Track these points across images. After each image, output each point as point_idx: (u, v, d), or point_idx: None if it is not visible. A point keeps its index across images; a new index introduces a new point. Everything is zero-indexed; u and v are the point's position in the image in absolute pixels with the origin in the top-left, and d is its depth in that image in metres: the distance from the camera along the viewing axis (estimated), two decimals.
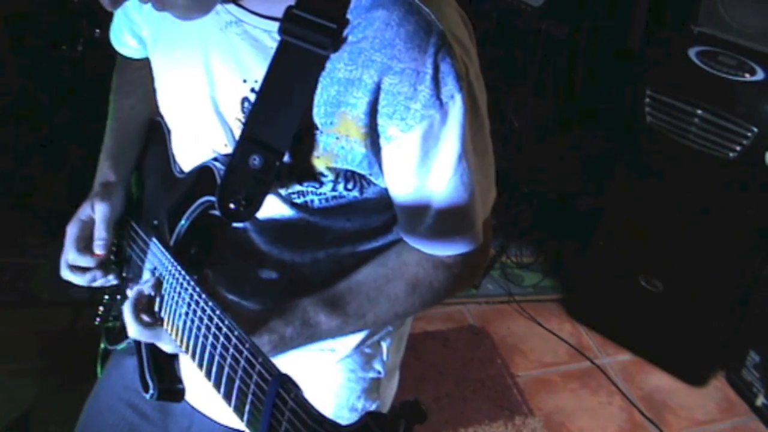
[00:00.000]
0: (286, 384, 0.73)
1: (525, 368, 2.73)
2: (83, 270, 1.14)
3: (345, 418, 1.14)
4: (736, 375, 2.73)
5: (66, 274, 1.14)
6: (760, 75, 2.29)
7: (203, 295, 0.92)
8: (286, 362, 1.08)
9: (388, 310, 1.03)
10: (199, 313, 0.92)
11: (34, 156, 2.95)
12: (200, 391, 1.19)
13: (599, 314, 2.91)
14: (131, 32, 1.17)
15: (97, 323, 1.27)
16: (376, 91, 0.88)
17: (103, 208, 1.14)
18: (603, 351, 2.86)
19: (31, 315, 2.39)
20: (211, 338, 0.89)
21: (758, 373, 2.63)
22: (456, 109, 0.89)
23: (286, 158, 0.94)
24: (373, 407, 1.17)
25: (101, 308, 1.27)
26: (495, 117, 3.44)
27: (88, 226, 1.14)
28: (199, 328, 0.92)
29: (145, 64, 1.22)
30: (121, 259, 1.21)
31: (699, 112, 2.38)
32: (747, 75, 2.30)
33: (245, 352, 0.82)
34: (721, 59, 2.34)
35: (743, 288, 2.55)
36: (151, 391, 1.10)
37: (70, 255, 1.13)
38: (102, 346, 1.32)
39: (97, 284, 1.16)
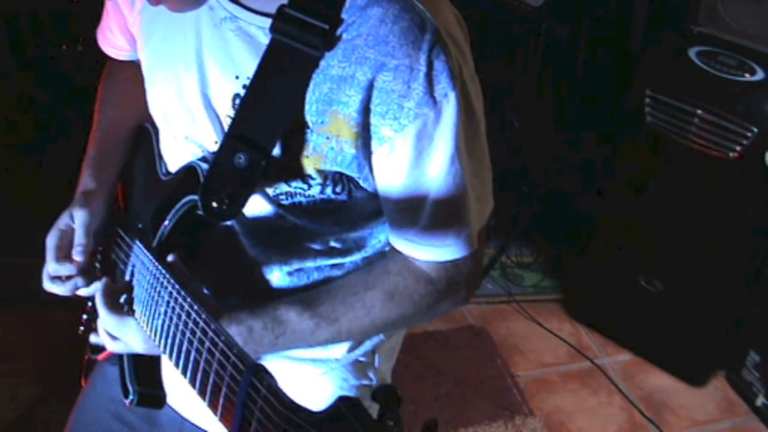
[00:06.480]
0: (260, 373, 0.72)
1: (525, 368, 2.73)
2: (65, 279, 1.12)
3: None
4: (736, 375, 2.73)
5: (48, 286, 1.12)
6: (760, 75, 2.29)
7: (182, 292, 0.91)
8: (278, 370, 1.08)
9: (363, 318, 0.99)
10: (177, 309, 0.91)
11: (34, 155, 2.95)
12: (189, 399, 1.17)
13: (599, 314, 2.91)
14: (122, 30, 1.15)
15: (81, 332, 1.25)
16: (369, 88, 0.87)
17: (82, 215, 1.11)
18: (603, 351, 2.86)
19: (31, 315, 2.39)
20: (188, 333, 0.87)
21: (758, 373, 2.63)
22: (450, 107, 0.88)
23: (275, 154, 0.92)
24: None
25: (85, 317, 1.25)
26: (495, 117, 3.44)
27: (66, 235, 1.12)
28: (177, 325, 0.90)
29: (131, 75, 1.21)
30: (106, 267, 1.19)
31: (699, 112, 2.38)
32: (747, 75, 2.30)
33: (220, 345, 0.80)
34: (721, 59, 2.34)
35: (743, 288, 2.55)
36: (131, 396, 1.08)
37: (50, 266, 1.11)
38: (86, 357, 1.29)
39: (82, 293, 1.14)
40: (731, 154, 2.34)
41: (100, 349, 1.20)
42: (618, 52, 3.26)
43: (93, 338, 1.14)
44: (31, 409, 2.16)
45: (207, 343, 0.83)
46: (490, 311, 2.96)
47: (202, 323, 0.85)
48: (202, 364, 0.84)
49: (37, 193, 2.79)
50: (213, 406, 0.81)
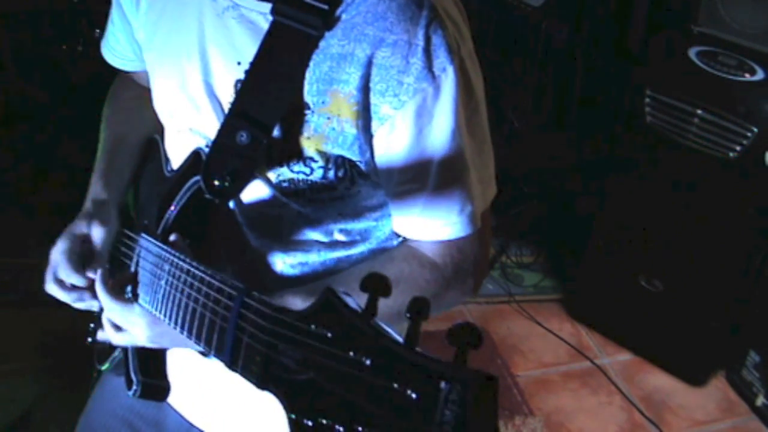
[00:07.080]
0: (251, 292, 0.74)
1: (525, 368, 2.73)
2: (72, 288, 1.10)
3: None
4: (736, 375, 2.73)
5: (52, 289, 1.10)
6: (760, 75, 2.29)
7: (181, 255, 0.92)
8: None
9: None
10: (177, 273, 0.92)
11: (34, 156, 2.96)
12: (196, 405, 1.18)
13: (599, 314, 2.91)
14: (127, 38, 1.15)
15: (89, 342, 1.24)
16: (369, 65, 0.89)
17: (102, 232, 1.11)
18: (603, 351, 2.86)
19: (31, 315, 2.39)
20: (187, 289, 0.88)
21: (758, 373, 2.63)
22: (449, 82, 0.89)
23: (276, 137, 0.93)
24: None
25: (92, 325, 1.23)
26: (495, 117, 3.44)
27: (81, 242, 1.11)
28: (176, 287, 0.91)
29: (135, 95, 1.22)
30: (114, 268, 1.18)
31: (699, 112, 2.38)
32: (747, 75, 2.30)
33: (216, 284, 0.82)
34: (721, 59, 2.34)
35: (743, 288, 2.55)
36: (134, 387, 1.09)
37: (62, 271, 1.08)
38: (97, 368, 1.29)
39: (81, 306, 1.13)
40: (731, 154, 2.34)
41: (106, 356, 1.21)
42: (618, 52, 3.26)
43: (100, 335, 1.12)
44: (31, 409, 2.16)
45: (204, 289, 0.84)
46: (490, 311, 2.96)
47: (200, 273, 0.87)
48: (199, 310, 0.85)
49: (37, 193, 2.79)
50: (207, 343, 0.81)
